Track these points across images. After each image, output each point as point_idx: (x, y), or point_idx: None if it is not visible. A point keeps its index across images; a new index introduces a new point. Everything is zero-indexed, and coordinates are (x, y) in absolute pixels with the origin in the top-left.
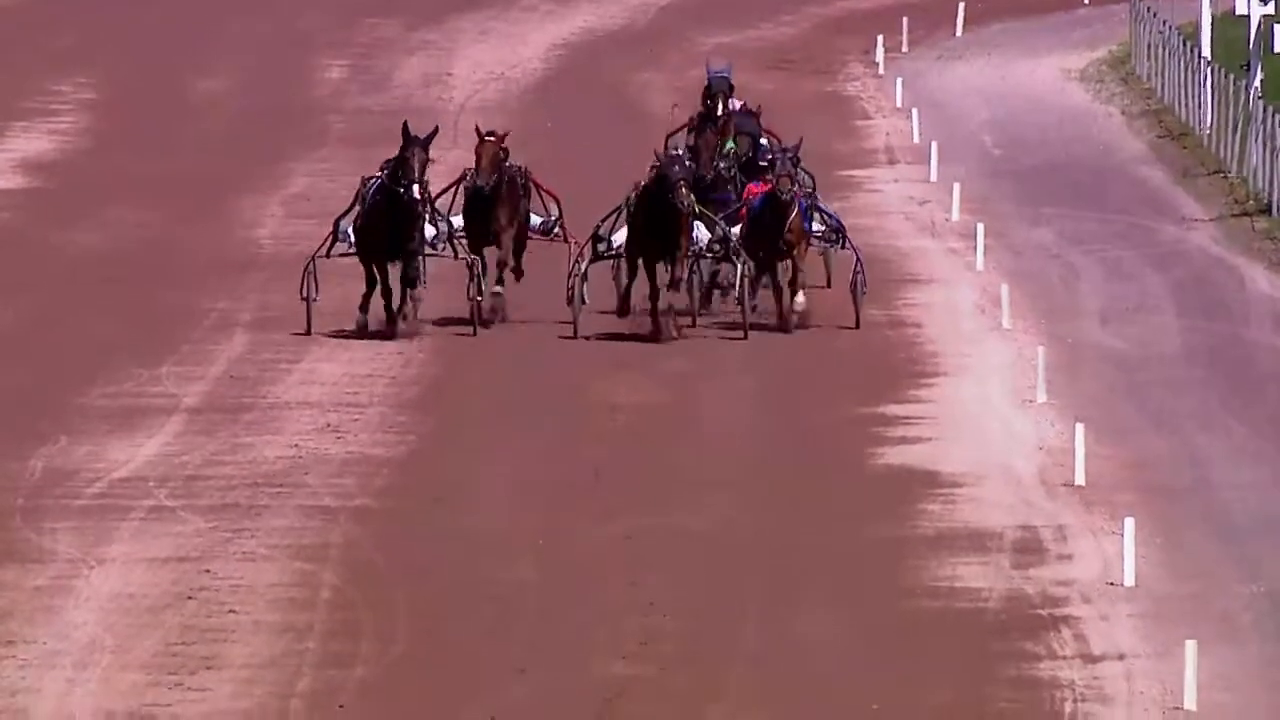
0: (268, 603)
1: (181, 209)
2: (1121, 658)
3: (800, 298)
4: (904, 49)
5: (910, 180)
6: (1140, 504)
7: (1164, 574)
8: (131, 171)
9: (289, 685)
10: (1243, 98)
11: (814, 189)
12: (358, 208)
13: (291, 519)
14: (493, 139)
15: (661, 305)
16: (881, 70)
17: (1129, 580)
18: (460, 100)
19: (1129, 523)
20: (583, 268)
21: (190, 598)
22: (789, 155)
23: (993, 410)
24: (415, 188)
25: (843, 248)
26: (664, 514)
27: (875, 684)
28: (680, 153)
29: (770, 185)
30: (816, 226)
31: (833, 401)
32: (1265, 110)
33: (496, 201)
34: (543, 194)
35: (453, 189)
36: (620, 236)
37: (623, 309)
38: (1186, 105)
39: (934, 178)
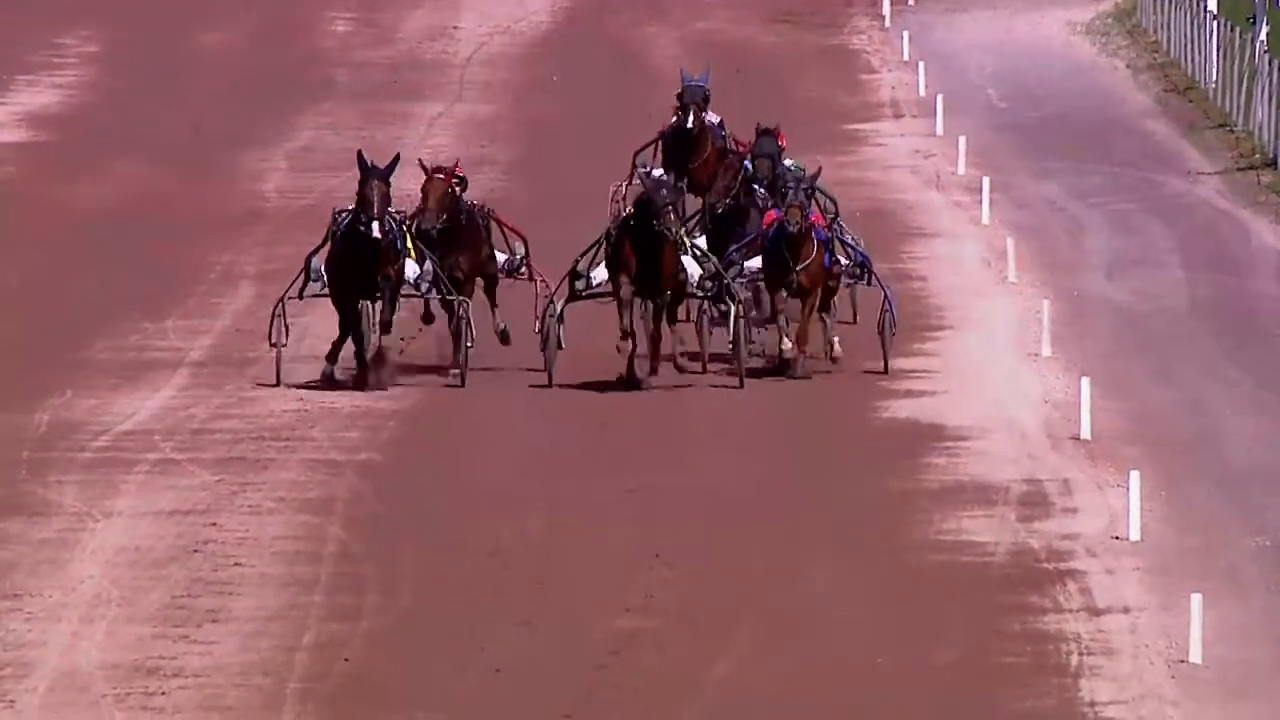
0: (273, 556)
1: (186, 162)
2: (1127, 611)
3: (838, 348)
4: (910, 2)
5: (916, 134)
6: (1145, 457)
7: (1169, 527)
8: (136, 125)
9: (295, 638)
10: (1248, 51)
11: (836, 215)
12: (329, 244)
13: (297, 472)
14: (442, 176)
15: (642, 350)
16: (888, 24)
17: (1134, 534)
18: (466, 54)
19: (1134, 476)
20: (558, 308)
21: (196, 551)
22: (804, 185)
23: (998, 364)
24: (375, 225)
25: (869, 284)
26: (669, 469)
27: (880, 638)
28: (649, 170)
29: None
30: (841, 260)
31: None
32: (1271, 64)
33: (452, 245)
34: (506, 231)
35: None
36: (601, 273)
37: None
38: (1192, 59)
39: (939, 131)
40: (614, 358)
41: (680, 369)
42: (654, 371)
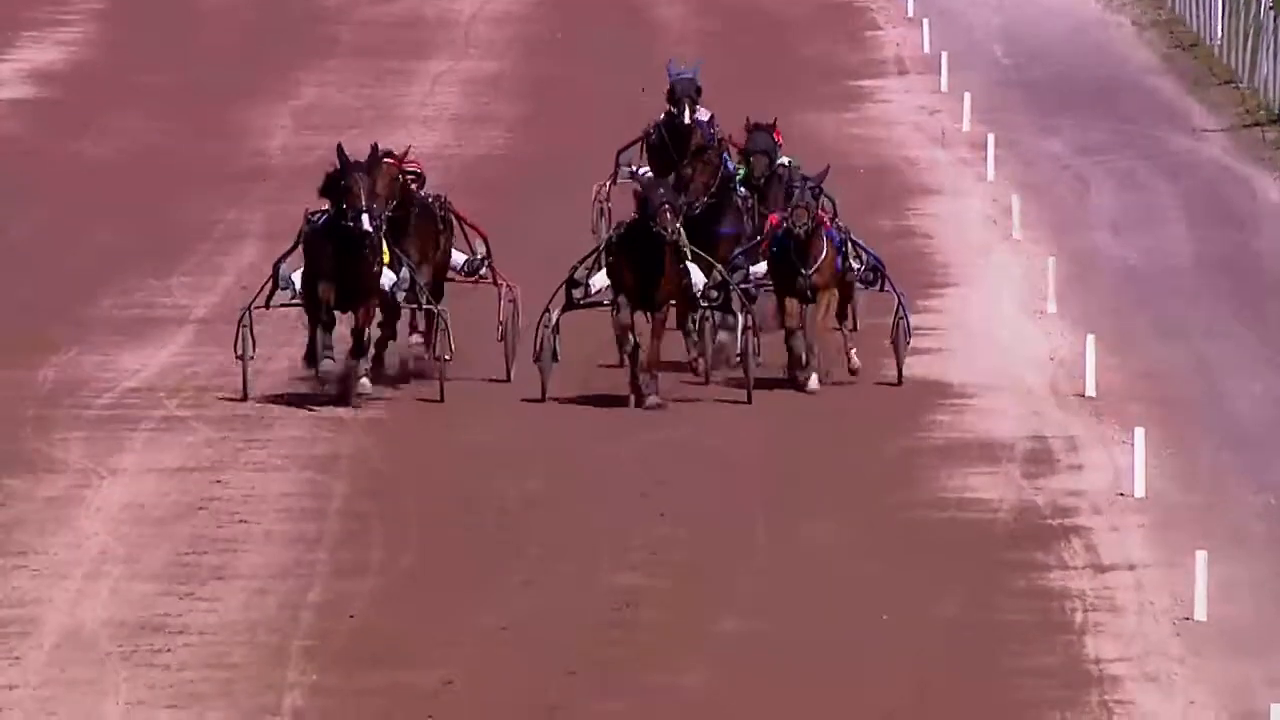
0: (278, 513)
1: (191, 120)
2: (1131, 568)
3: (856, 360)
4: None
5: (921, 90)
6: (1150, 414)
7: (1174, 484)
8: (140, 82)
9: (300, 595)
10: (1253, 8)
11: (835, 214)
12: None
13: (302, 429)
14: (391, 160)
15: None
16: None
17: (1139, 491)
18: (470, 10)
19: (1139, 433)
20: (554, 317)
21: (201, 508)
22: (810, 185)
23: (1003, 321)
24: (365, 218)
25: (881, 289)
26: (674, 427)
27: (885, 594)
28: (634, 168)
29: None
30: (853, 265)
31: None
32: (1276, 21)
33: (401, 237)
34: (465, 228)
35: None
36: (600, 279)
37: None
38: (1197, 15)
39: (944, 88)
40: (608, 373)
41: (694, 370)
42: (653, 378)
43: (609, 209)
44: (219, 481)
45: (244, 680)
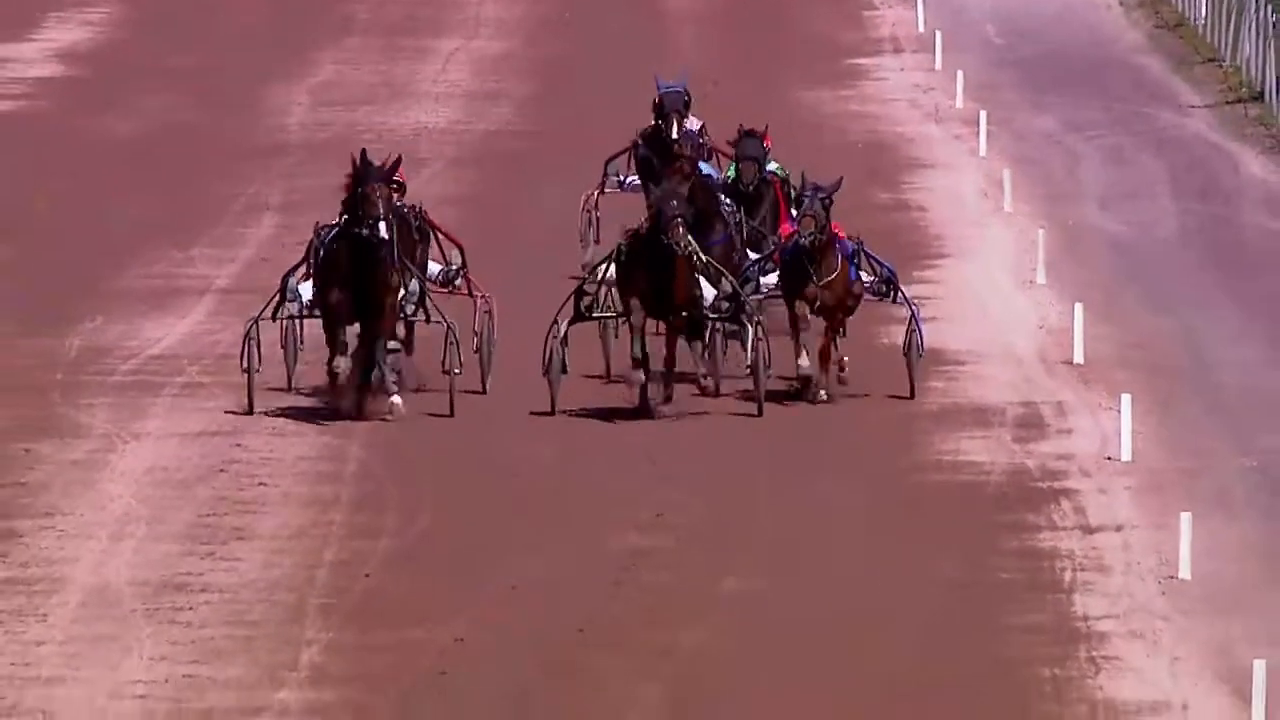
0: (296, 476)
1: (211, 97)
2: (1119, 529)
3: (845, 371)
4: None
5: (915, 69)
6: (1137, 381)
7: (1160, 449)
8: (163, 61)
9: (316, 555)
10: None
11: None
12: (311, 261)
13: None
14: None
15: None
16: None
17: (1126, 455)
18: None
19: (1126, 399)
20: (563, 329)
21: (222, 471)
22: (821, 196)
23: (995, 291)
24: (382, 226)
25: (895, 301)
26: (677, 393)
27: (883, 555)
28: (622, 178)
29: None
30: (864, 277)
31: None
32: (1257, 1)
33: None
34: (440, 238)
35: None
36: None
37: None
38: None
39: (938, 66)
40: (606, 387)
41: (702, 389)
42: (668, 399)
43: (597, 217)
44: (239, 445)
45: (263, 637)
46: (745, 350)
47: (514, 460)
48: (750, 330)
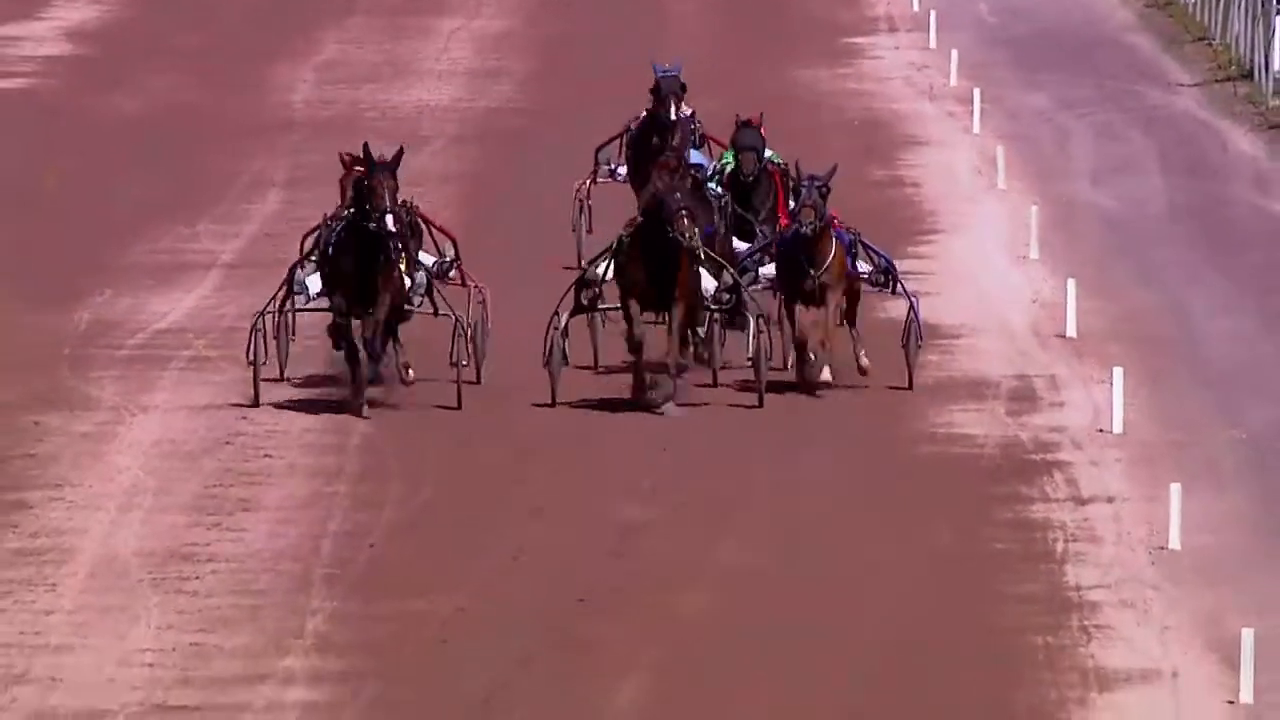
0: (301, 447)
1: (217, 76)
2: (1110, 500)
3: (865, 359)
4: None
5: (910, 47)
6: (1128, 355)
7: (1151, 421)
8: (170, 40)
9: (321, 525)
10: None
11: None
12: (316, 256)
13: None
14: (361, 169)
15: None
16: None
17: (1117, 427)
18: None
19: (1118, 372)
20: (563, 320)
21: (228, 443)
22: (818, 184)
23: (989, 266)
24: (389, 219)
25: (894, 292)
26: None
27: (878, 525)
28: (614, 166)
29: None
30: (862, 266)
31: None
32: None
33: None
34: (434, 232)
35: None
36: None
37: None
38: None
39: (933, 45)
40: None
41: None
42: (668, 397)
43: (589, 207)
44: (244, 418)
45: (269, 606)
46: (747, 341)
47: (515, 432)
48: (752, 322)
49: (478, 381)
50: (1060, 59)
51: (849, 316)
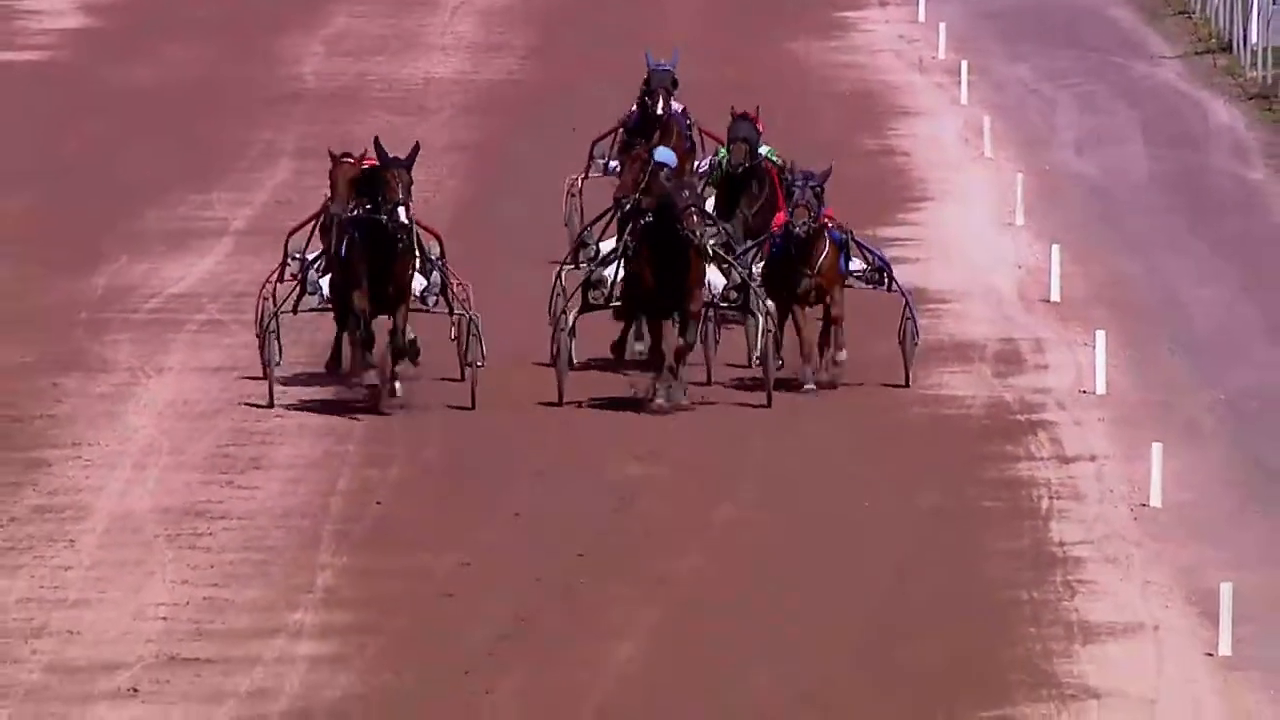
0: (311, 408)
1: (230, 48)
2: (1093, 459)
3: (842, 354)
4: None
5: (900, 21)
6: (1111, 318)
7: (1132, 383)
8: (184, 13)
9: (330, 483)
10: None
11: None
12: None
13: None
14: (350, 160)
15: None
16: None
17: (1100, 388)
18: None
19: (1100, 335)
20: (570, 319)
21: (240, 403)
22: (812, 184)
23: (975, 233)
24: (402, 211)
25: (889, 290)
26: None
27: (869, 484)
28: (607, 161)
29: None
30: (855, 265)
31: None
32: None
33: None
34: (420, 231)
35: (314, 223)
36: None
37: (618, 354)
38: None
39: (921, 18)
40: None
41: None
42: (676, 376)
43: (581, 202)
44: (256, 379)
45: (279, 561)
46: (754, 340)
47: (518, 395)
48: (760, 320)
49: (461, 379)
50: (1045, 32)
51: (836, 316)
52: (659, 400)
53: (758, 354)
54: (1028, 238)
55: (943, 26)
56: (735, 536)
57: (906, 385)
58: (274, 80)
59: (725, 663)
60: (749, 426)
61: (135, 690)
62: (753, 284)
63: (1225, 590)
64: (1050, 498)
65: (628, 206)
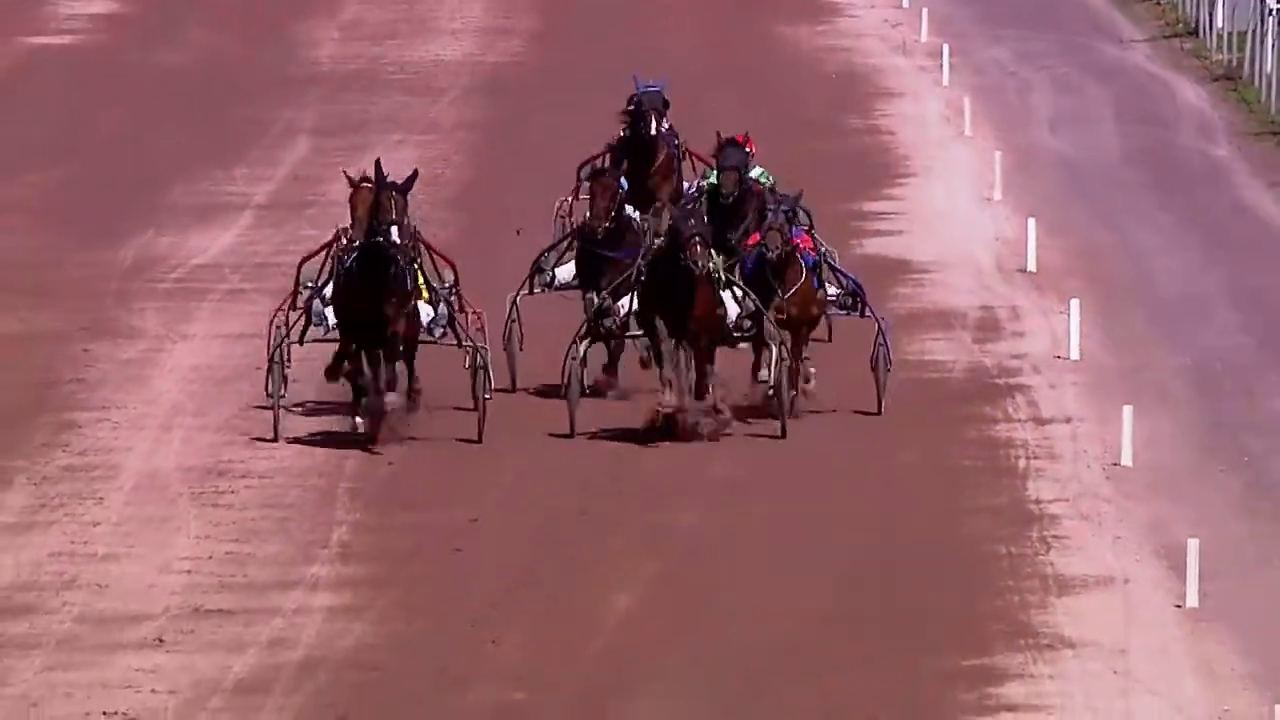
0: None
1: (250, 32)
2: (1068, 421)
3: (811, 383)
4: None
5: (884, 6)
6: (1085, 288)
7: (1105, 349)
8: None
9: (345, 445)
10: None
11: (811, 227)
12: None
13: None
14: (369, 185)
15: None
16: None
17: (1074, 354)
18: None
19: (1074, 304)
20: (581, 350)
21: (261, 369)
22: (784, 208)
23: (956, 207)
24: (394, 230)
25: (862, 315)
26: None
27: (855, 444)
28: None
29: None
30: (831, 291)
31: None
32: None
33: None
34: (435, 258)
35: (327, 252)
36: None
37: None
38: None
39: (905, 4)
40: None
41: (717, 412)
42: (695, 426)
43: (571, 224)
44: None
45: (297, 518)
46: (768, 369)
47: (523, 370)
48: (774, 349)
49: (475, 409)
50: (1021, 16)
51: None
52: (668, 401)
53: (770, 384)
54: (1006, 211)
55: (925, 11)
56: (729, 493)
57: (879, 413)
58: (293, 63)
59: (717, 611)
60: (741, 389)
61: (161, 640)
62: (766, 314)
63: (1192, 545)
64: (1027, 457)
65: (599, 234)
